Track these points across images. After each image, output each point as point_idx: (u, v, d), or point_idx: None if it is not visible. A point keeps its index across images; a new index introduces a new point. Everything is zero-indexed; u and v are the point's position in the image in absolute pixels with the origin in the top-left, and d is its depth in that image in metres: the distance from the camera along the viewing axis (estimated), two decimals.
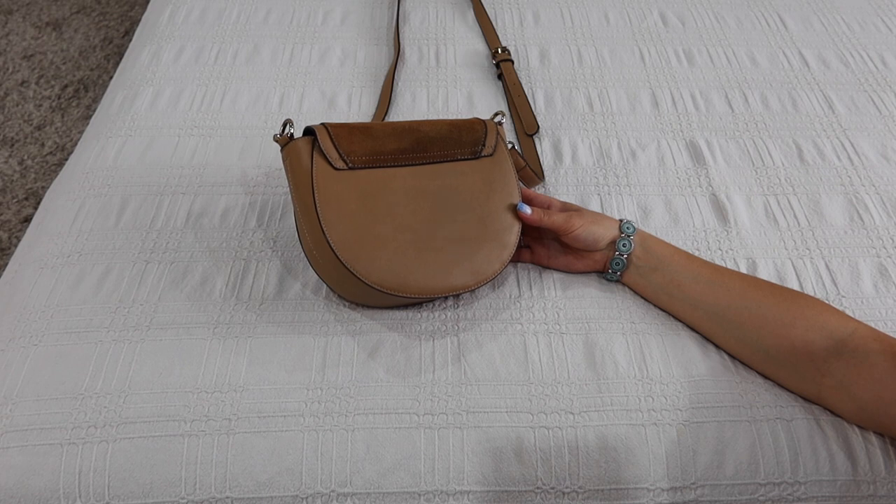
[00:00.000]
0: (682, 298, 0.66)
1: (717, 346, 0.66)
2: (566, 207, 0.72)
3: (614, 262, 0.69)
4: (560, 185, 0.82)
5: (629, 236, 0.68)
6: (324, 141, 0.65)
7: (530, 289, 0.71)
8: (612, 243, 0.69)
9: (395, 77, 0.96)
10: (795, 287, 0.72)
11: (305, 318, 0.68)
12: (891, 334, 0.67)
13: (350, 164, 0.66)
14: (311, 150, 0.65)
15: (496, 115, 0.75)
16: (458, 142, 0.70)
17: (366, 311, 0.68)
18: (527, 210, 0.68)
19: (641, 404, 0.62)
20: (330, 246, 0.63)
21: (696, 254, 0.74)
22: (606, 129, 0.90)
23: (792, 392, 0.63)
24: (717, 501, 0.59)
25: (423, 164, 0.68)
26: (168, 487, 0.58)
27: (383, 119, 0.89)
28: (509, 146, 0.75)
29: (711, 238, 0.76)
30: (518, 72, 0.97)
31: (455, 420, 0.61)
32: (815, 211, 0.80)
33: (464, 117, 0.79)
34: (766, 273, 0.73)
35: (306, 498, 0.58)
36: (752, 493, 0.59)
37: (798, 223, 0.79)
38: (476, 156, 0.70)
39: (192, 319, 0.67)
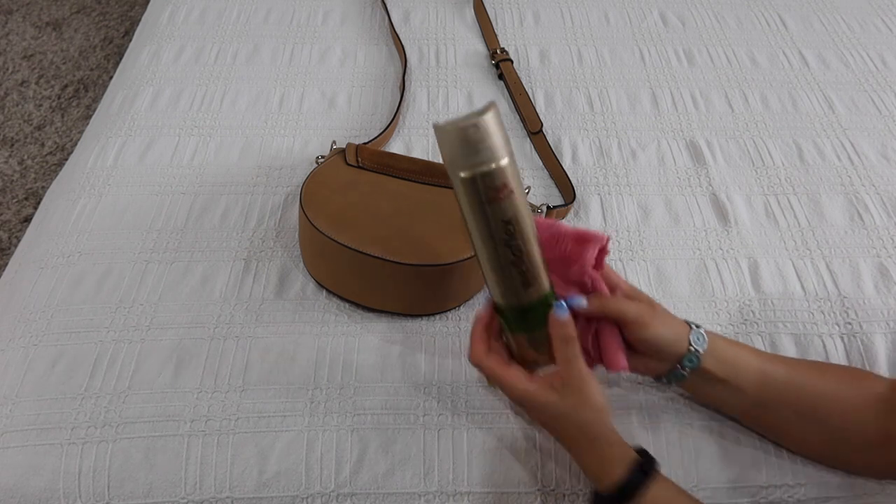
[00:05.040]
0: (758, 401, 0.57)
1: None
2: (633, 295, 0.57)
3: (672, 375, 0.57)
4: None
5: (698, 352, 0.55)
6: (350, 148, 0.75)
7: None
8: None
9: (405, 81, 0.95)
10: (796, 287, 0.72)
11: (305, 318, 0.68)
12: (891, 334, 0.68)
13: (360, 164, 0.74)
14: (341, 153, 0.75)
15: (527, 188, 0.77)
16: None
17: (366, 311, 0.68)
18: (582, 303, 0.53)
19: (642, 406, 0.62)
20: (301, 193, 0.69)
21: (697, 254, 0.74)
22: (606, 128, 0.90)
23: (863, 476, 0.59)
24: None
25: (421, 182, 0.72)
26: (168, 487, 0.58)
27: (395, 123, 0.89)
28: (539, 210, 0.75)
29: (712, 238, 0.76)
30: (518, 72, 0.97)
31: (456, 420, 0.61)
32: (816, 211, 0.80)
33: None
34: (766, 273, 0.73)
35: (306, 498, 0.58)
36: (753, 496, 0.59)
37: (798, 223, 0.79)
38: None
39: (192, 319, 0.67)
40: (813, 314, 0.69)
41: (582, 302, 0.53)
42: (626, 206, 0.80)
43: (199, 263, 0.72)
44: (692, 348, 0.55)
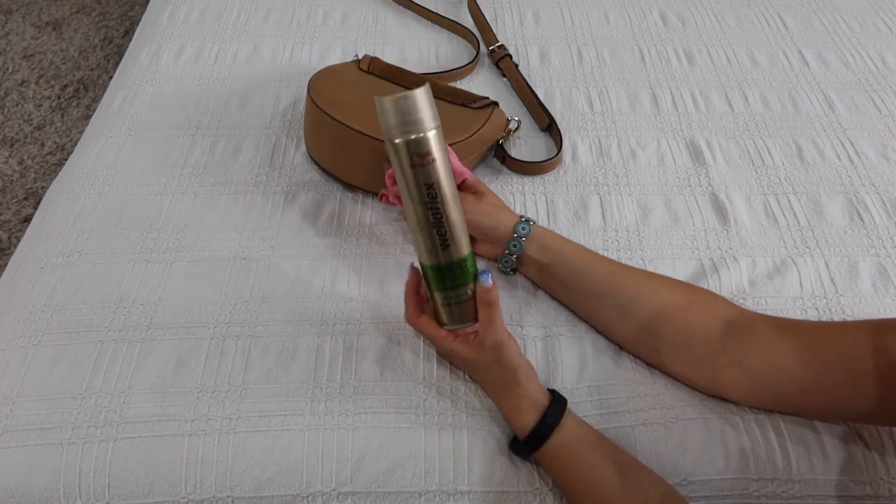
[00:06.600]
0: (580, 289, 0.66)
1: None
2: (472, 188, 0.70)
3: (503, 259, 0.70)
4: (559, 184, 0.82)
5: (521, 238, 0.67)
6: (366, 58, 0.86)
7: (528, 293, 0.71)
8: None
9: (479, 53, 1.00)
10: (796, 286, 0.72)
11: (305, 318, 0.68)
12: None
13: (370, 71, 0.85)
14: (356, 61, 0.86)
15: (512, 119, 0.84)
16: (454, 94, 0.82)
17: (366, 310, 0.69)
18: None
19: (630, 405, 0.62)
20: (311, 79, 0.81)
21: (696, 254, 0.74)
22: (606, 128, 0.90)
23: (688, 384, 0.63)
24: (710, 497, 0.59)
25: None
26: (169, 487, 0.58)
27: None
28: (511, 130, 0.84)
29: (711, 237, 0.77)
30: (518, 71, 0.97)
31: (455, 420, 0.61)
32: (815, 210, 0.80)
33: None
34: (766, 272, 0.73)
35: (307, 497, 0.58)
36: (744, 489, 0.59)
37: (798, 223, 0.79)
38: (461, 104, 0.81)
39: (192, 319, 0.67)
40: (807, 311, 0.70)
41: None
42: (626, 205, 0.80)
43: (199, 263, 0.72)
44: (515, 234, 0.67)
